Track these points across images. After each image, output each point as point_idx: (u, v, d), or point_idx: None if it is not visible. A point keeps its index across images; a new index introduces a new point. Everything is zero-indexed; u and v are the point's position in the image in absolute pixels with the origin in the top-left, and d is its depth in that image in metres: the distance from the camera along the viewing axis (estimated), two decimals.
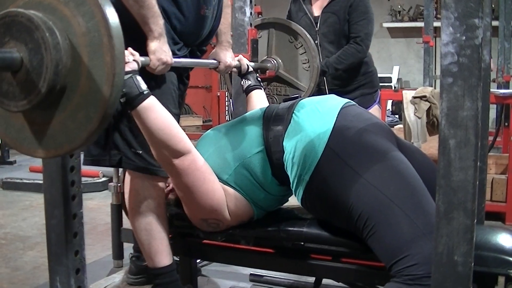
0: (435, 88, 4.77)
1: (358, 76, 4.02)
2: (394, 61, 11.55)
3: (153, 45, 2.23)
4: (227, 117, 9.05)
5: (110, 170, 4.11)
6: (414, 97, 4.53)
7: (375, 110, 4.10)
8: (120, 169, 3.04)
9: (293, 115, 2.18)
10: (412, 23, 12.09)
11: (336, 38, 3.92)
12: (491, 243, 1.97)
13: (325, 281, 2.60)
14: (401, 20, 12.26)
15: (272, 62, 3.20)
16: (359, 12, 3.86)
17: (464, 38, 1.29)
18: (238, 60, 2.80)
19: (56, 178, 1.99)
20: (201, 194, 2.15)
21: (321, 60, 3.81)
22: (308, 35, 3.20)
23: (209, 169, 2.18)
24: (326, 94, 3.76)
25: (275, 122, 2.20)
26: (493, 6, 9.86)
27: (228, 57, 2.72)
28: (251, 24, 3.18)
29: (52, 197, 2.02)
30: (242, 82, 2.88)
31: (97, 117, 1.48)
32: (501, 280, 1.94)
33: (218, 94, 9.58)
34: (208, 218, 2.22)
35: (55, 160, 1.99)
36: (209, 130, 2.45)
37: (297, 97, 2.36)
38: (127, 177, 2.43)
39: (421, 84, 7.15)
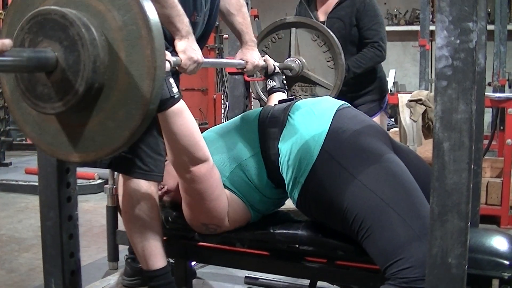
0: (431, 92, 4.78)
1: (368, 82, 3.97)
2: (390, 65, 11.57)
3: (182, 44, 2.18)
4: (223, 120, 9.06)
5: (106, 172, 4.10)
6: (410, 101, 4.54)
7: (381, 116, 4.07)
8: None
9: (289, 117, 2.18)
10: (409, 26, 12.15)
11: (342, 44, 3.81)
12: (485, 246, 1.98)
13: (320, 283, 2.60)
14: (398, 24, 12.30)
15: (296, 62, 3.14)
16: (370, 16, 3.78)
17: (458, 41, 1.30)
18: (265, 61, 2.79)
19: (52, 179, 1.99)
20: (210, 201, 2.15)
21: None
22: (331, 32, 3.15)
23: (220, 177, 2.18)
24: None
25: (270, 124, 2.20)
26: (488, 10, 9.91)
27: (255, 57, 2.70)
28: None
29: (47, 198, 2.02)
30: (267, 82, 2.86)
31: (139, 114, 1.43)
32: (495, 283, 1.95)
33: (214, 96, 9.59)
34: (209, 223, 2.22)
35: (51, 162, 1.99)
36: (204, 132, 2.44)
37: (292, 99, 2.36)
38: (121, 180, 2.42)
39: (417, 88, 7.18)
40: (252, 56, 2.69)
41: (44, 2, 1.51)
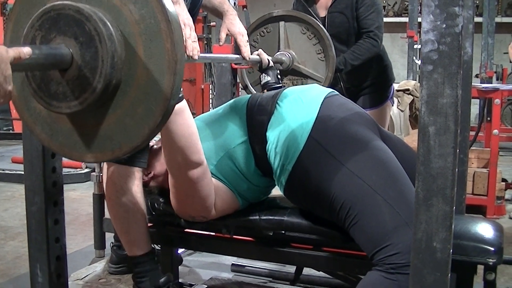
0: (418, 82, 4.79)
1: (374, 71, 3.91)
2: None
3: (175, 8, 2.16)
4: (211, 110, 9.04)
5: None
6: (397, 90, 4.55)
7: (386, 106, 4.04)
8: None
9: (277, 105, 2.18)
10: (397, 18, 12.16)
11: (347, 37, 3.78)
12: (470, 232, 1.99)
13: (306, 270, 2.61)
14: (386, 15, 12.30)
15: (287, 55, 3.12)
16: (366, 5, 3.72)
17: (444, 26, 1.30)
18: (258, 55, 2.74)
19: (37, 164, 1.98)
20: (199, 198, 2.15)
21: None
22: (320, 25, 3.12)
23: (210, 176, 2.17)
24: (343, 92, 3.69)
25: (258, 112, 2.20)
26: (477, 2, 9.94)
27: (240, 27, 2.65)
28: None
29: (32, 183, 2.01)
30: (261, 77, 2.82)
31: (159, 110, 1.37)
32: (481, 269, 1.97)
33: (202, 87, 9.56)
34: (197, 216, 2.23)
35: (36, 146, 1.98)
36: (193, 119, 2.43)
37: (280, 87, 2.36)
38: (105, 167, 2.42)
39: (405, 79, 7.20)
40: (236, 27, 2.64)
41: None
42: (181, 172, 2.10)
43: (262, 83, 2.79)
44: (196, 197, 2.15)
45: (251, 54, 2.66)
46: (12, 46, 1.20)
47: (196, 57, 2.11)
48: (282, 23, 3.16)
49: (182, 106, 2.00)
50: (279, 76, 2.84)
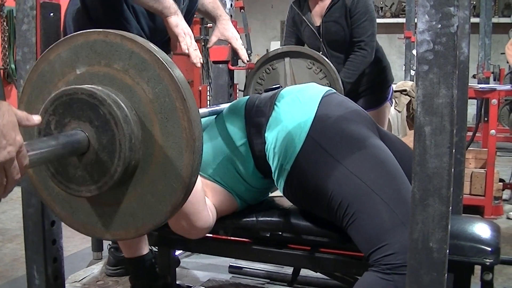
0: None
1: (372, 73, 3.93)
2: None
3: (174, 19, 2.20)
4: None
5: None
6: (395, 91, 4.55)
7: (385, 107, 4.06)
8: None
9: (275, 105, 2.17)
10: (394, 19, 12.17)
11: (344, 45, 3.80)
12: (467, 232, 1.99)
13: (303, 272, 2.60)
14: (383, 16, 12.32)
15: None
16: (359, 13, 3.72)
17: (439, 26, 1.30)
18: None
19: None
20: (200, 234, 2.16)
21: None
22: (326, 59, 3.11)
23: (211, 216, 2.15)
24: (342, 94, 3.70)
25: (257, 113, 2.20)
26: (474, 2, 9.94)
27: (234, 32, 2.66)
28: (231, 16, 3.17)
29: (29, 185, 2.01)
30: None
31: (181, 187, 1.37)
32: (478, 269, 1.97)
33: (200, 88, 9.55)
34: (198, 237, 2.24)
35: None
36: None
37: (278, 87, 2.35)
38: None
39: (403, 80, 7.20)
40: (229, 32, 2.65)
41: (64, 79, 1.44)
42: (184, 233, 2.11)
43: None
44: (197, 236, 2.16)
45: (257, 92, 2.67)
46: (26, 131, 1.20)
47: (198, 64, 2.19)
48: (287, 59, 3.13)
49: None
50: None
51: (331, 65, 3.08)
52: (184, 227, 2.06)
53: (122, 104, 1.34)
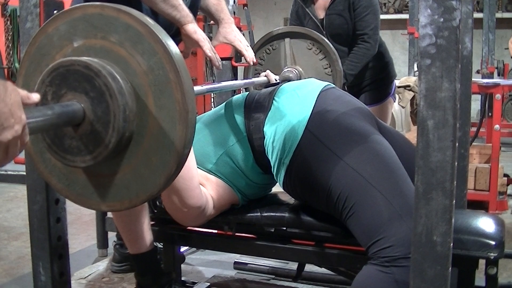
0: None
1: (375, 68, 3.92)
2: None
3: (192, 26, 2.23)
4: (212, 109, 9.05)
5: None
6: (398, 87, 4.55)
7: (388, 102, 4.05)
8: None
9: (273, 100, 2.19)
10: (398, 15, 12.16)
11: (348, 39, 3.79)
12: (471, 226, 1.99)
13: (308, 267, 2.61)
14: (387, 12, 12.31)
15: (294, 72, 3.08)
16: (362, 6, 3.72)
17: (442, 20, 1.30)
18: (266, 76, 2.72)
19: None
20: (195, 220, 2.19)
21: None
22: (326, 39, 3.10)
23: (211, 209, 2.19)
24: (345, 90, 3.68)
25: (256, 108, 2.21)
26: None
27: (237, 35, 2.65)
28: (234, 13, 3.17)
29: (34, 182, 2.02)
30: None
31: (173, 159, 1.37)
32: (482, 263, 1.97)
33: None
34: (195, 225, 2.26)
35: None
36: None
37: (278, 83, 2.36)
38: None
39: (407, 76, 7.20)
40: (232, 35, 2.64)
41: (61, 51, 1.45)
42: (177, 212, 2.14)
43: None
44: (193, 221, 2.20)
45: (258, 75, 2.67)
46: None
47: (221, 67, 2.32)
48: (287, 40, 3.13)
49: None
50: None
51: (331, 46, 3.09)
52: (176, 204, 2.09)
53: (117, 76, 1.35)
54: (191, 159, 2.07)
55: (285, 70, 3.08)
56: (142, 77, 1.38)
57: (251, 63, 2.60)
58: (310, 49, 3.10)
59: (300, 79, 3.04)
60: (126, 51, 1.38)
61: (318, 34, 3.12)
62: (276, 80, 2.73)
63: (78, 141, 1.37)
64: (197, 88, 1.97)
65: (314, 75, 3.01)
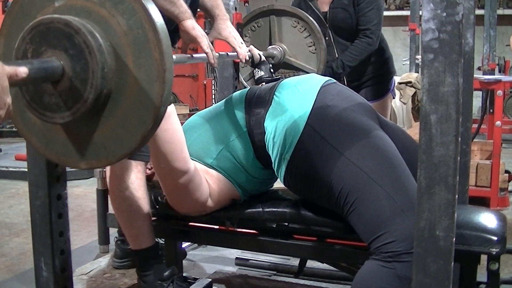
0: (420, 75, 4.78)
1: (375, 64, 3.92)
2: None
3: (190, 22, 2.22)
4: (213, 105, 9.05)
5: None
6: (400, 83, 4.54)
7: (387, 98, 4.04)
8: None
9: (274, 96, 2.19)
10: (399, 11, 12.15)
11: (351, 33, 3.79)
12: (473, 222, 1.99)
13: (310, 263, 2.61)
14: (388, 9, 12.29)
15: (278, 49, 3.11)
16: (366, 2, 3.71)
17: (444, 14, 1.30)
18: (249, 51, 2.70)
19: (40, 159, 1.97)
20: (191, 199, 2.17)
21: (337, 55, 3.76)
22: (310, 17, 3.12)
23: (200, 178, 2.17)
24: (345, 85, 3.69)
25: (256, 104, 2.21)
26: None
27: (232, 31, 2.64)
28: (236, 9, 3.16)
29: (36, 178, 2.01)
30: (254, 72, 2.80)
31: (151, 118, 1.39)
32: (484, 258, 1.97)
33: (205, 82, 9.58)
34: (192, 212, 2.25)
35: None
36: (193, 116, 2.44)
37: (278, 79, 2.36)
38: None
39: (408, 72, 7.18)
40: (227, 31, 2.63)
41: (43, 11, 1.46)
42: (166, 179, 2.13)
43: (255, 78, 2.78)
44: (187, 198, 2.17)
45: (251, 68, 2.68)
46: (5, 60, 1.21)
47: (216, 64, 2.30)
48: (273, 17, 3.16)
49: (169, 111, 1.99)
50: (271, 70, 2.82)
51: (316, 24, 3.11)
52: (164, 169, 2.09)
53: (97, 34, 1.37)
54: (175, 122, 2.06)
55: (270, 47, 3.11)
56: (122, 37, 1.39)
57: (243, 60, 2.60)
58: (295, 27, 3.12)
59: (284, 56, 3.06)
60: (107, 11, 1.40)
61: (302, 12, 3.15)
62: (259, 55, 2.73)
63: (57, 98, 1.39)
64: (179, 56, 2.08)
65: (298, 53, 3.04)
